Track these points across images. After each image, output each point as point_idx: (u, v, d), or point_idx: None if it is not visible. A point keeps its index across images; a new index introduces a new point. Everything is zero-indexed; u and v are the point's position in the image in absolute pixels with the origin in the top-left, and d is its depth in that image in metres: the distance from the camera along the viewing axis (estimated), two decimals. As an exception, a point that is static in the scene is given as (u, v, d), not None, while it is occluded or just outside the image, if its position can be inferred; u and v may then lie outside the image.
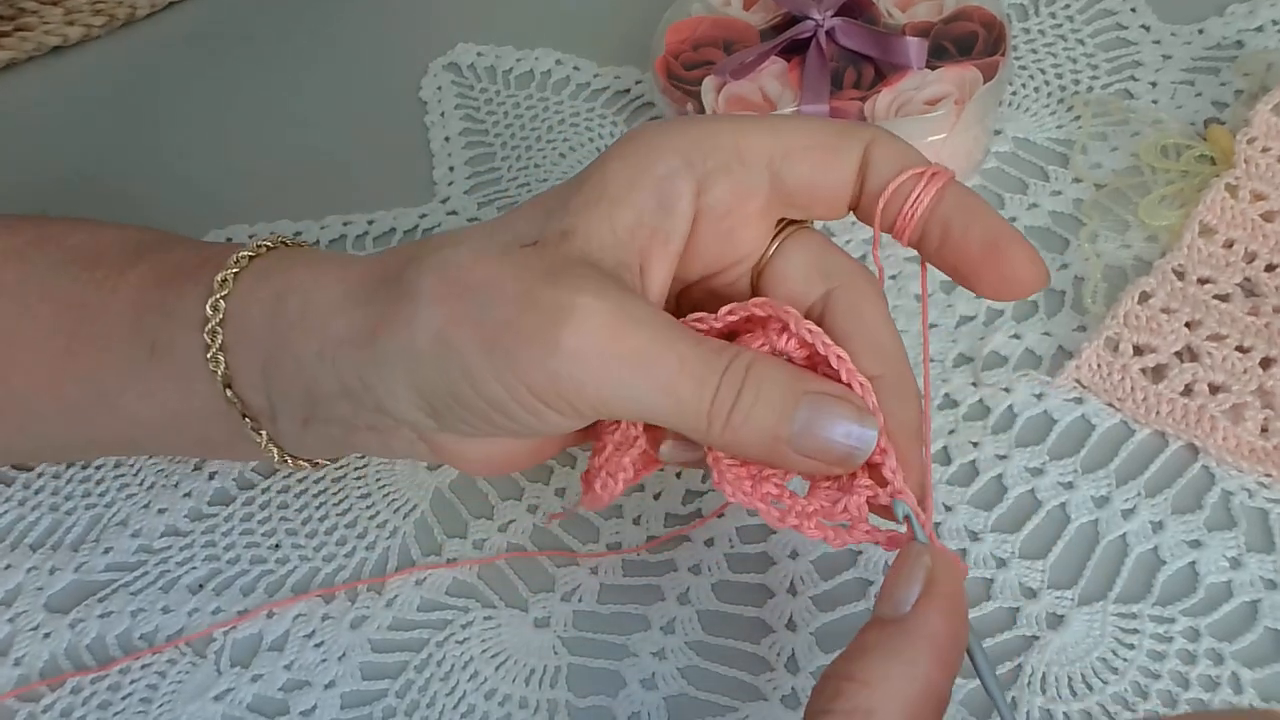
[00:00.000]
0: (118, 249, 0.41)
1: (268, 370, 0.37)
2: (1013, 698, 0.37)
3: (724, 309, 0.34)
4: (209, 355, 0.37)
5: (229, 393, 0.37)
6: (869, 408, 0.33)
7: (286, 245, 0.39)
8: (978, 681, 0.32)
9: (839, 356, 0.33)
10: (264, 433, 0.38)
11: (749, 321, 0.34)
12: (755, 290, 0.36)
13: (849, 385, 0.33)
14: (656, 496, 0.44)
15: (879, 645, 0.29)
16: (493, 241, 0.34)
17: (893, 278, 0.49)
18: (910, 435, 0.34)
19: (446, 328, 0.32)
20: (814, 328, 0.33)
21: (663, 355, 0.31)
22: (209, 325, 0.37)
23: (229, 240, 0.57)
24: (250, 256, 0.38)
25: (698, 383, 0.31)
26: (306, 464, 0.40)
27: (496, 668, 0.41)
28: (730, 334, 0.35)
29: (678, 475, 0.44)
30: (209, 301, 0.37)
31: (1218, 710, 0.25)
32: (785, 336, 0.33)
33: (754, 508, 0.33)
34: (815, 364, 0.34)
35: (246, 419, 0.38)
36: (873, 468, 0.33)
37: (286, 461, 0.39)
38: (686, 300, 0.36)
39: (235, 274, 0.37)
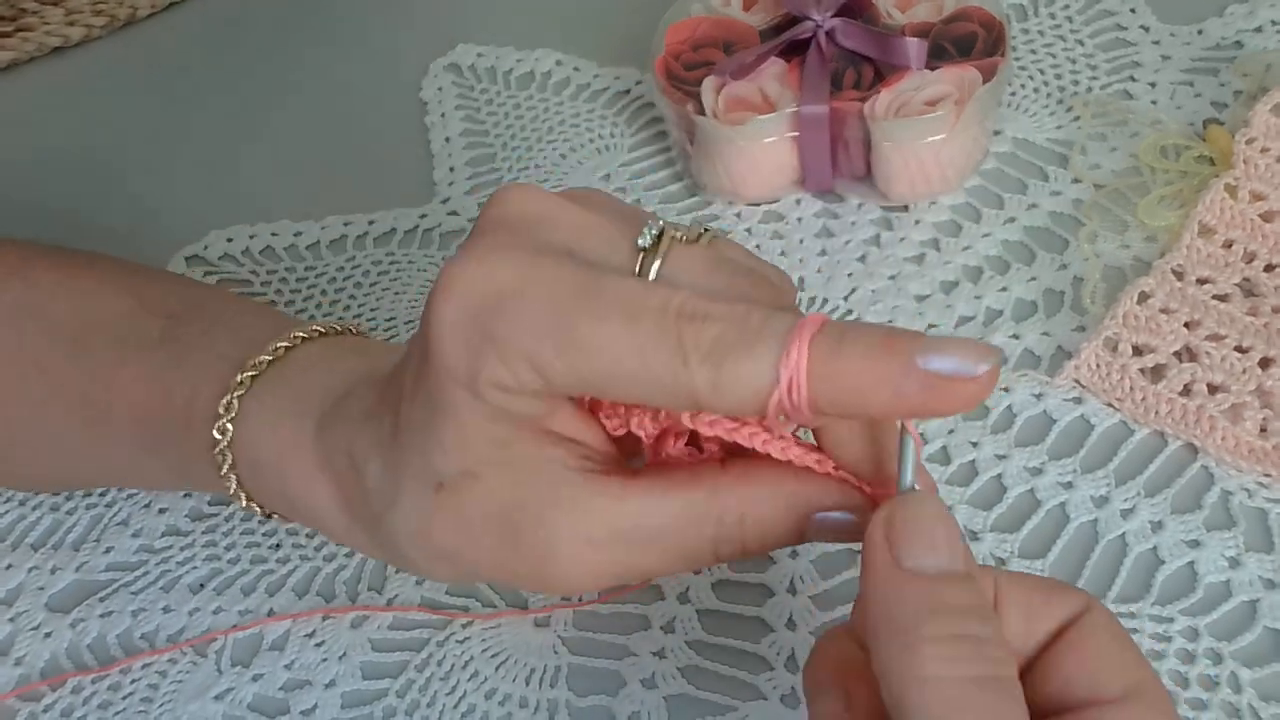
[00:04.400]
0: (102, 337, 0.41)
1: (289, 506, 0.37)
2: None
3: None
4: (231, 492, 0.37)
5: (259, 509, 0.38)
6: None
7: (255, 375, 0.37)
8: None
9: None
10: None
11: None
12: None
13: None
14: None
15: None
16: (414, 484, 0.31)
17: (891, 278, 0.49)
18: None
19: (456, 575, 0.33)
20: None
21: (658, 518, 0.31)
22: (222, 470, 0.37)
23: (229, 241, 0.57)
24: (239, 397, 0.37)
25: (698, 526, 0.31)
26: None
27: (497, 667, 0.41)
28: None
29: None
30: (216, 448, 0.37)
31: None
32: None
33: (756, 439, 0.29)
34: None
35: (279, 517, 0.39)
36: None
37: None
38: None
39: (234, 419, 0.36)
